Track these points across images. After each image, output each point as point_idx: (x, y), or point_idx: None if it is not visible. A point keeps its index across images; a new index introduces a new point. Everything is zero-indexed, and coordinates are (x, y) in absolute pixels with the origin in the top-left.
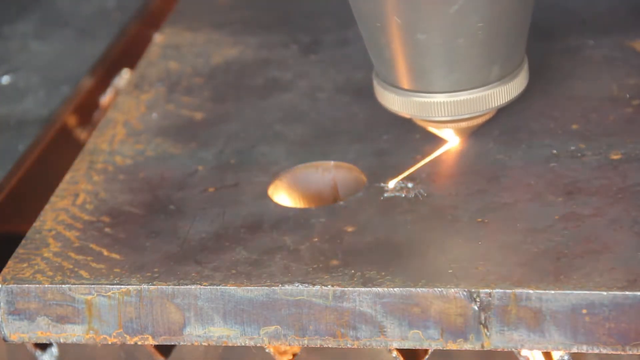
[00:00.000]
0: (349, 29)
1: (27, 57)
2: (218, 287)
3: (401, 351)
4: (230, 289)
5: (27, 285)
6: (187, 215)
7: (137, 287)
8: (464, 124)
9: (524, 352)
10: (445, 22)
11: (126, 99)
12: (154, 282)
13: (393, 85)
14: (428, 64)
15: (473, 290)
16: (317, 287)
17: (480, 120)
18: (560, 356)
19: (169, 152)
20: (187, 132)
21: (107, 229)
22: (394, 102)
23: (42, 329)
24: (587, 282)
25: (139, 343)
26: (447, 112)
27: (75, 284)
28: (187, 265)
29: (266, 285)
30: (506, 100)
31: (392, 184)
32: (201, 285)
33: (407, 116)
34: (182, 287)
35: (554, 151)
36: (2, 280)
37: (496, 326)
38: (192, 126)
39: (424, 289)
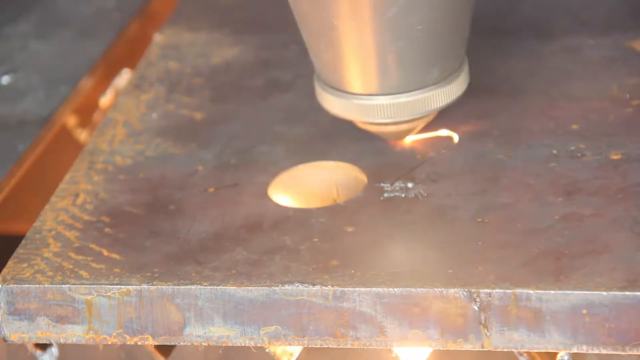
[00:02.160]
0: None
1: (27, 57)
2: (218, 287)
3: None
4: (230, 289)
5: (27, 285)
6: (187, 215)
7: (137, 287)
8: (404, 127)
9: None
10: (384, 24)
11: (126, 99)
12: (154, 282)
13: (334, 87)
14: (367, 67)
15: (473, 290)
16: (317, 287)
17: (421, 123)
18: (560, 356)
19: (169, 152)
20: (187, 132)
21: (107, 229)
22: (334, 104)
23: (42, 329)
24: (587, 282)
25: (139, 343)
26: (387, 115)
27: (75, 284)
28: (187, 265)
29: (266, 285)
30: (446, 102)
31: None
32: (201, 285)
33: (349, 119)
34: (182, 287)
35: (554, 151)
36: (2, 280)
37: (496, 326)
38: (192, 126)
39: (424, 289)
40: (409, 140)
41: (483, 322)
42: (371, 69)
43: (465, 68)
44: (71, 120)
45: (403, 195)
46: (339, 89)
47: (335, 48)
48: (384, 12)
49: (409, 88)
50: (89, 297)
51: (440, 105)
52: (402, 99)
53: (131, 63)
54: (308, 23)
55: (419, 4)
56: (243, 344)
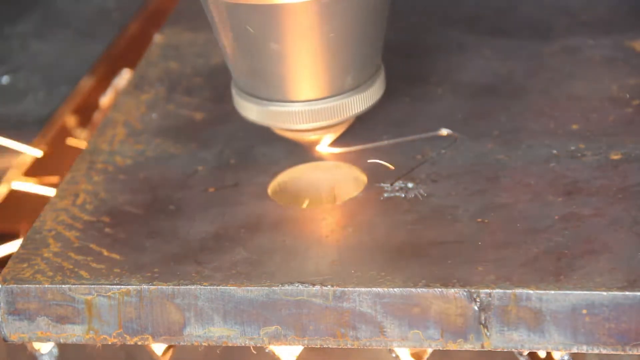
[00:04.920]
0: None
1: (27, 57)
2: (218, 287)
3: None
4: (230, 289)
5: (27, 285)
6: (187, 215)
7: (137, 287)
8: (320, 133)
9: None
10: (296, 31)
11: (126, 99)
12: (154, 282)
13: (250, 94)
14: (282, 73)
15: (473, 290)
16: (317, 287)
17: (338, 129)
18: (561, 356)
19: (169, 152)
20: (187, 132)
21: (107, 229)
22: (251, 111)
23: (42, 329)
24: (587, 282)
25: (139, 343)
26: (303, 121)
27: (75, 284)
28: (187, 265)
29: (266, 285)
30: (362, 109)
31: (391, 184)
32: (201, 285)
33: (265, 125)
34: (182, 287)
35: (554, 151)
36: (2, 280)
37: (496, 326)
38: (192, 126)
39: (424, 289)
40: (325, 149)
41: (483, 322)
42: (285, 76)
43: (382, 75)
44: (71, 120)
45: (403, 195)
46: (255, 95)
47: (249, 54)
48: (297, 19)
49: (324, 94)
50: (89, 297)
51: (357, 111)
52: (318, 105)
53: (131, 63)
54: (223, 29)
55: (331, 12)
56: (243, 344)
